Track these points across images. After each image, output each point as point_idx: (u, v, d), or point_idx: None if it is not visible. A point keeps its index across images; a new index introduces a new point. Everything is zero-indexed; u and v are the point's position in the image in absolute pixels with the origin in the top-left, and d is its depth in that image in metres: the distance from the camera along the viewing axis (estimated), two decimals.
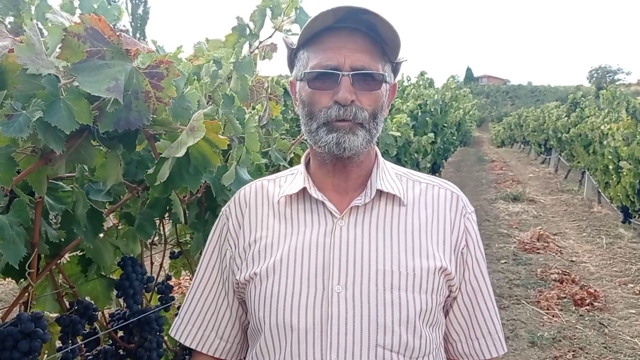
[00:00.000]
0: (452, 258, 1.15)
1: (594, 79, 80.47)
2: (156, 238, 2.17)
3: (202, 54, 1.43)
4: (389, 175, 1.20)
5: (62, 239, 1.46)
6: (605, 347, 4.48)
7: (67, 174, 1.36)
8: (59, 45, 0.98)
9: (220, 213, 1.29)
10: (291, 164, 2.16)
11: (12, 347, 1.13)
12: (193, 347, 1.28)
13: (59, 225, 1.31)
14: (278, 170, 2.32)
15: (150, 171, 1.14)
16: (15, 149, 0.93)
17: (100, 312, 1.79)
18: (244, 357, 1.29)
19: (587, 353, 4.37)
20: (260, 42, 1.70)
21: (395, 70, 1.19)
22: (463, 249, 1.18)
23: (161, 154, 1.19)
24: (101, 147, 1.13)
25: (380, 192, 1.16)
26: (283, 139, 2.11)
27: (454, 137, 10.68)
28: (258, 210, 1.23)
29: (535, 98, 72.60)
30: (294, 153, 2.17)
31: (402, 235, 1.13)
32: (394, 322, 1.06)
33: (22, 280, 1.49)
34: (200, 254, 2.08)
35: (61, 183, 1.26)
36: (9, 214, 0.96)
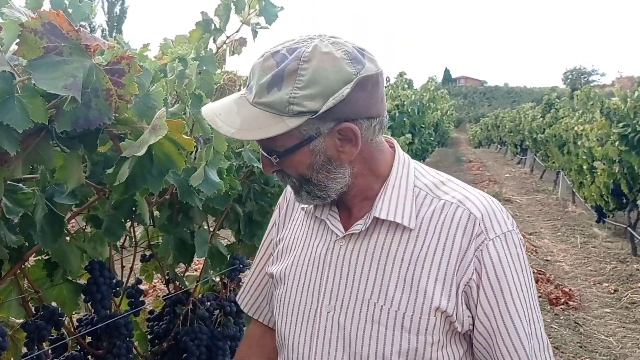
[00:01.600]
0: (453, 293, 1.02)
1: (568, 80, 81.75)
2: (127, 241, 2.13)
3: (168, 52, 1.39)
4: (402, 195, 1.08)
5: (25, 244, 1.41)
6: (581, 347, 4.52)
7: (29, 176, 1.31)
8: (16, 41, 0.94)
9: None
10: None
11: None
12: (250, 314, 1.37)
13: (19, 229, 1.26)
14: (252, 172, 2.29)
15: (110, 171, 1.10)
16: None
17: (67, 318, 1.74)
18: None
19: (562, 352, 4.40)
20: (228, 37, 1.66)
21: (335, 112, 0.97)
22: (470, 282, 1.02)
23: None
24: (61, 148, 1.08)
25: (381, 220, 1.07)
26: None
27: (432, 138, 10.73)
28: (294, 208, 1.26)
29: (512, 99, 73.53)
30: None
31: (397, 267, 1.04)
32: (370, 356, 1.03)
33: None
34: (170, 257, 2.05)
35: (21, 185, 1.21)
36: None
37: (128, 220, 1.74)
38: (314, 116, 0.96)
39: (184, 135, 1.07)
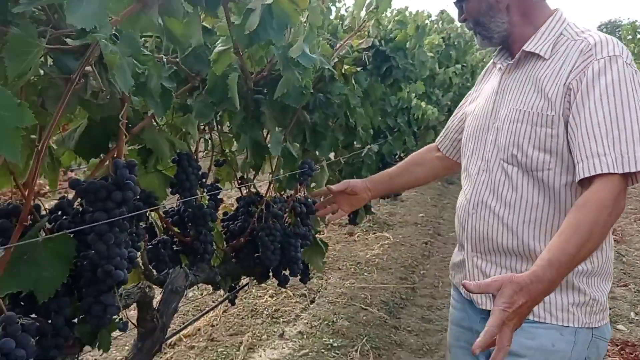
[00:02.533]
0: (560, 96, 1.35)
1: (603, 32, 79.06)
2: (202, 145, 2.22)
3: None
4: (547, 37, 1.45)
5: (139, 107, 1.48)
6: (625, 273, 4.58)
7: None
8: None
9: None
10: (334, 67, 2.19)
11: (106, 197, 1.18)
12: (438, 146, 1.96)
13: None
14: (322, 75, 2.35)
15: (238, 21, 1.16)
16: None
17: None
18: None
19: None
20: None
21: None
22: (570, 85, 1.34)
23: (235, 22, 1.21)
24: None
25: (527, 52, 1.47)
26: (327, 42, 2.12)
27: (468, 84, 10.56)
28: (491, 73, 1.71)
29: None
30: (337, 58, 2.18)
31: (533, 83, 1.43)
32: (509, 143, 1.46)
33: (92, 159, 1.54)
34: (247, 156, 2.14)
35: (142, 49, 1.28)
36: (118, 44, 0.98)
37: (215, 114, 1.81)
38: None
39: None
